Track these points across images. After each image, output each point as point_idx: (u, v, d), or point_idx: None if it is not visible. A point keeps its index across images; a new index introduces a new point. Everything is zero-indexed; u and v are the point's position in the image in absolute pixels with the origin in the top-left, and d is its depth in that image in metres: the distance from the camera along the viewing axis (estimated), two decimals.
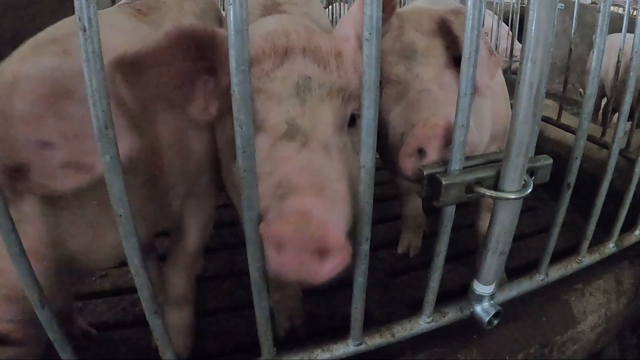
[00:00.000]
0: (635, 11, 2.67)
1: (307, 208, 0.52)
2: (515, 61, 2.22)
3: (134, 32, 0.89)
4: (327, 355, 0.80)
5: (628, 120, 1.07)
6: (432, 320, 0.87)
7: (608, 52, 0.86)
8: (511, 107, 0.74)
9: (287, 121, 0.67)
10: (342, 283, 1.08)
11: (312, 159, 0.62)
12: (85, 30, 0.45)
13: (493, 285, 0.86)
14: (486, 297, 0.87)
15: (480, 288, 0.86)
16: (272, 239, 0.51)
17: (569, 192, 0.97)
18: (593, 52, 0.87)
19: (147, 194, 0.78)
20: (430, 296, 0.85)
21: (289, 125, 0.66)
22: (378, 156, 0.71)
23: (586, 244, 1.10)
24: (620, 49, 1.73)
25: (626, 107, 1.02)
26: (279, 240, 0.51)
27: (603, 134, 1.62)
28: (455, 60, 0.91)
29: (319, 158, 0.62)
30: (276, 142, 0.65)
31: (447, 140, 0.73)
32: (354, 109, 0.73)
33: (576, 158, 0.92)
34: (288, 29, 0.76)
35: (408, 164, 0.76)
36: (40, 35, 0.76)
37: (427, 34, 0.92)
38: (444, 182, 0.69)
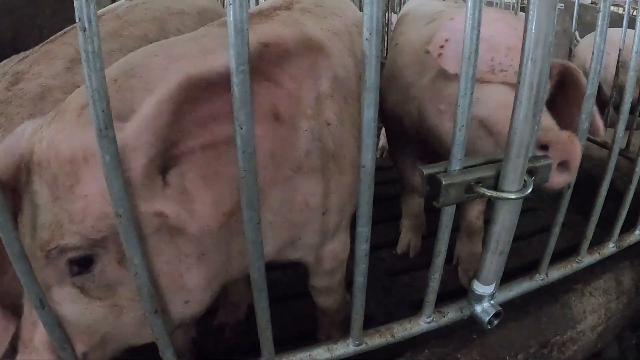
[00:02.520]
0: (635, 11, 2.67)
1: None
2: None
3: None
4: (327, 355, 0.80)
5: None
6: (432, 320, 0.87)
7: (591, 47, 0.89)
8: None
9: None
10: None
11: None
12: (85, 30, 0.45)
13: (493, 285, 0.86)
14: (486, 297, 0.87)
15: (480, 288, 0.86)
16: None
17: (569, 192, 0.97)
18: (593, 52, 0.87)
19: None
20: (430, 296, 0.85)
21: None
22: (379, 155, 0.71)
23: (586, 244, 1.11)
24: (620, 49, 1.73)
25: (626, 107, 1.02)
26: None
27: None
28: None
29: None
30: None
31: None
32: (82, 253, 0.57)
33: None
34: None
35: None
36: None
37: None
38: (444, 182, 0.69)
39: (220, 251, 0.67)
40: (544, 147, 0.81)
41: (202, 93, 0.54)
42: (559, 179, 0.82)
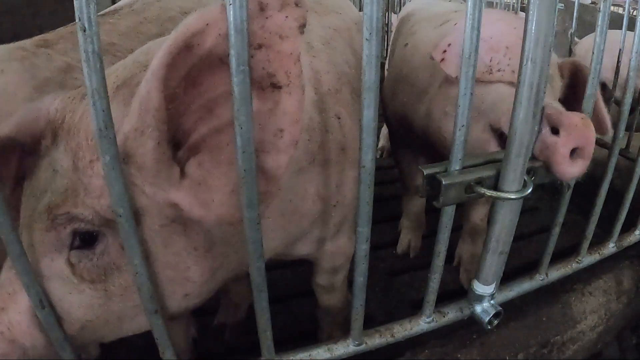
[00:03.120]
0: (635, 11, 2.67)
1: None
2: None
3: None
4: (327, 355, 0.80)
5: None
6: (432, 320, 0.87)
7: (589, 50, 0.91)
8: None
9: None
10: None
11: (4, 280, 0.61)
12: (85, 30, 0.45)
13: (493, 285, 0.86)
14: (486, 297, 0.87)
15: (480, 288, 0.86)
16: None
17: (569, 192, 0.97)
18: (593, 52, 0.87)
19: None
20: (430, 296, 0.85)
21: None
22: (379, 155, 0.70)
23: (586, 244, 1.11)
24: (620, 49, 1.72)
25: (626, 107, 1.02)
26: None
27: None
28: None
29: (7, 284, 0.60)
30: None
31: None
32: (89, 227, 0.57)
33: None
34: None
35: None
36: None
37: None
38: (444, 182, 0.69)
39: (226, 243, 0.66)
40: (554, 130, 0.75)
41: (198, 67, 0.52)
42: (574, 169, 0.75)
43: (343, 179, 0.83)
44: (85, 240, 0.57)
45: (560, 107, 0.84)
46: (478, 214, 1.37)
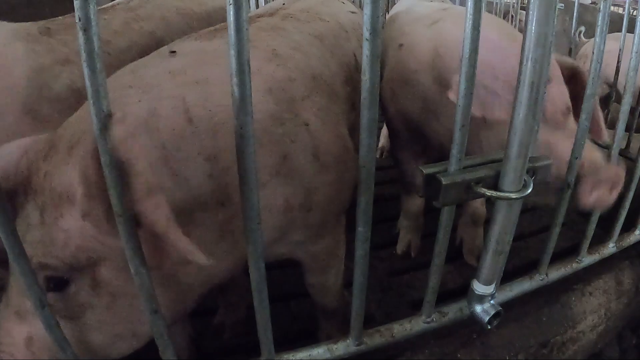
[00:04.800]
0: (635, 11, 2.67)
1: None
2: None
3: None
4: (327, 355, 0.80)
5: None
6: (432, 320, 0.87)
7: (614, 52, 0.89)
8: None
9: None
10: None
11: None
12: (85, 30, 0.45)
13: (493, 285, 0.86)
14: (486, 297, 0.86)
15: (480, 288, 0.86)
16: None
17: (569, 192, 0.97)
18: (593, 52, 0.87)
19: None
20: (430, 296, 0.85)
21: None
22: (378, 155, 0.70)
23: (586, 244, 1.11)
24: (620, 49, 1.73)
25: (626, 107, 1.02)
26: None
27: None
28: None
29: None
30: None
31: None
32: (58, 274, 0.63)
33: (576, 158, 0.92)
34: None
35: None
36: None
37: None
38: (444, 182, 0.69)
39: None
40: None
41: None
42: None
43: (316, 184, 0.81)
44: (58, 284, 0.63)
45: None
46: (477, 199, 1.38)
